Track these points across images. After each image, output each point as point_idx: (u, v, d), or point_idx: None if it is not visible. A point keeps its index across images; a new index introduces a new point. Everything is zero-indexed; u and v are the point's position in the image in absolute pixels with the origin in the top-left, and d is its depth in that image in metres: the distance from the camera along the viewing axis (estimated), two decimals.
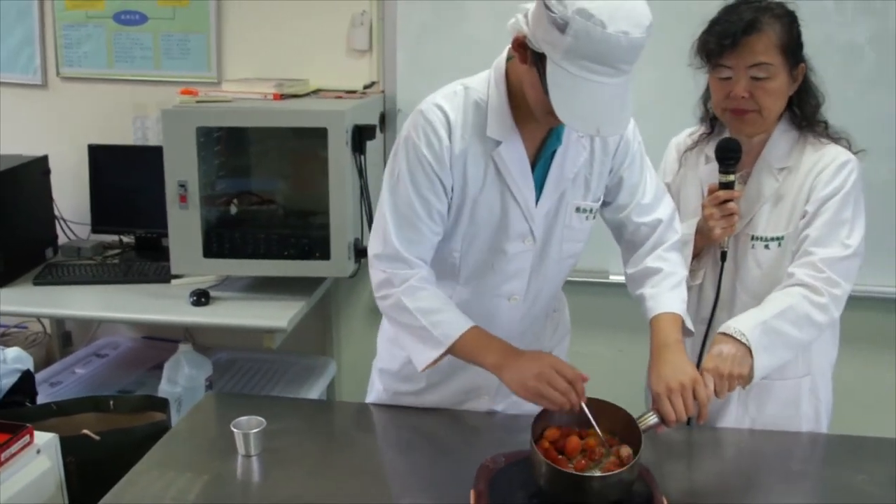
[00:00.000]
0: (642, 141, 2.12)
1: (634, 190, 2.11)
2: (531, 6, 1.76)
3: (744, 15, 2.03)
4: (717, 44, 2.05)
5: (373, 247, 2.03)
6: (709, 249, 2.23)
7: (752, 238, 2.17)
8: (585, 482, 1.69)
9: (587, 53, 1.65)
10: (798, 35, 2.09)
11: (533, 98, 1.83)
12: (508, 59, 1.93)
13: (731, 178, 2.13)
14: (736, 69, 2.05)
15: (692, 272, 2.23)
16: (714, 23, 2.09)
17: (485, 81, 1.97)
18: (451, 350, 1.96)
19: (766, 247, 2.16)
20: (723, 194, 2.12)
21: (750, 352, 1.96)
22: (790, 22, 2.07)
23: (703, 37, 2.10)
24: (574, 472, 1.73)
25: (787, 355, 2.06)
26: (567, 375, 1.84)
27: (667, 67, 2.17)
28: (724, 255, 2.18)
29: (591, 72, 1.67)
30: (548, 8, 1.67)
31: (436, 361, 1.99)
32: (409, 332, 2.00)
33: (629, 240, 2.17)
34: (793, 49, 2.07)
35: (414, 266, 1.99)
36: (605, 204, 2.13)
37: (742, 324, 2.00)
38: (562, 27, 1.65)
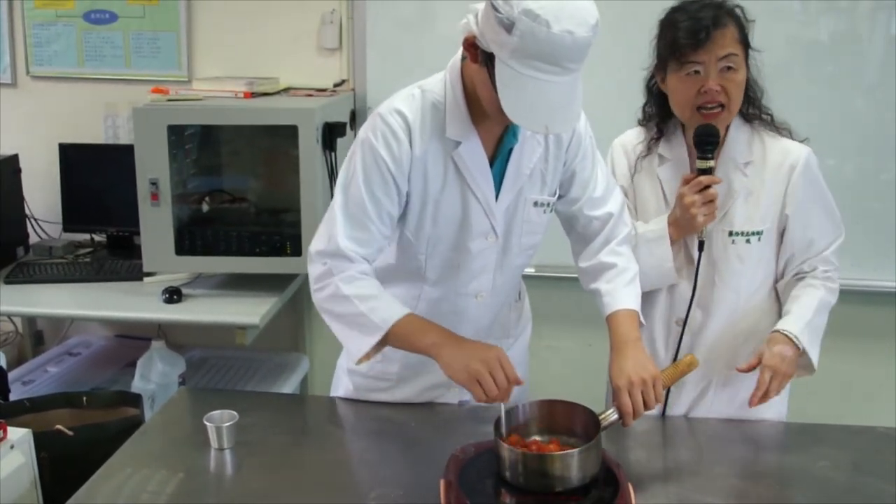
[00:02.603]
0: (594, 136, 2.15)
1: (586, 184, 2.14)
2: (481, 6, 1.78)
3: (706, 11, 2.08)
4: (690, 38, 2.06)
5: (316, 243, 2.03)
6: (681, 248, 2.25)
7: (731, 234, 2.20)
8: (546, 461, 1.73)
9: (533, 53, 1.68)
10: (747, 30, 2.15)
11: (485, 97, 1.86)
12: (462, 58, 1.95)
13: (711, 163, 2.14)
14: (707, 63, 2.07)
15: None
16: (676, 22, 2.11)
17: (441, 82, 1.99)
18: (389, 336, 1.96)
19: (748, 241, 2.20)
20: (705, 179, 2.13)
21: (800, 351, 2.14)
22: (741, 17, 2.12)
23: (671, 35, 2.11)
24: (534, 452, 1.78)
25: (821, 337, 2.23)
26: (509, 375, 1.87)
27: (622, 66, 2.19)
28: (701, 245, 2.19)
29: (538, 70, 1.70)
30: (495, 8, 1.70)
31: (372, 352, 1.99)
32: (346, 321, 2.00)
33: (581, 233, 2.20)
34: (748, 43, 2.13)
35: (355, 261, 1.99)
36: (558, 197, 2.16)
37: (793, 326, 2.16)
38: (508, 27, 1.68)
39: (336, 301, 1.99)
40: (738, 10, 2.12)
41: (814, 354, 2.16)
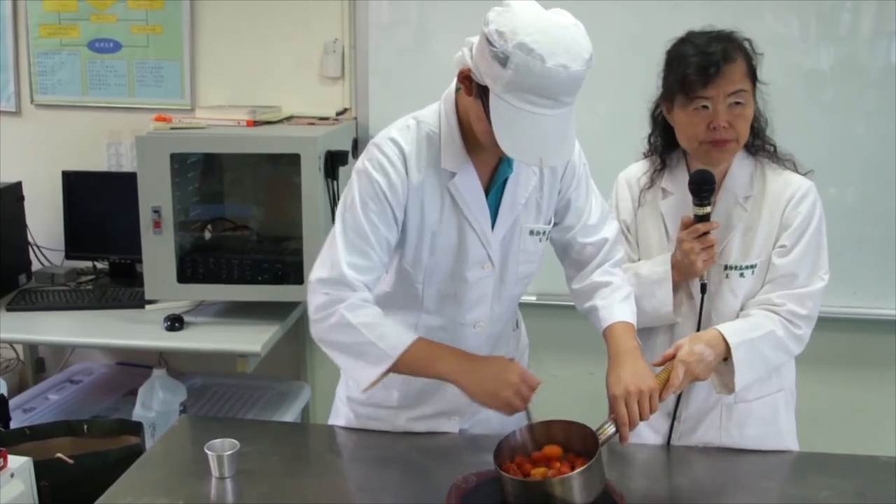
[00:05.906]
0: (588, 164, 2.15)
1: (581, 212, 2.15)
2: (476, 40, 1.79)
3: (716, 46, 2.06)
4: (700, 74, 2.04)
5: (317, 272, 1.99)
6: (681, 285, 2.23)
7: (726, 268, 2.18)
8: (546, 486, 1.72)
9: (528, 87, 1.69)
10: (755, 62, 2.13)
11: (479, 129, 1.87)
12: (457, 89, 1.96)
13: (708, 209, 2.12)
14: (716, 99, 2.06)
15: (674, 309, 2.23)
16: (685, 55, 2.09)
17: (435, 114, 2.00)
18: (399, 363, 1.93)
19: (742, 275, 2.17)
20: (702, 227, 2.12)
21: (725, 359, 2.06)
22: (749, 51, 2.11)
23: (681, 70, 2.09)
24: (532, 479, 1.77)
25: (762, 374, 2.14)
26: (532, 384, 1.90)
27: (618, 94, 2.20)
28: (704, 288, 2.17)
29: (532, 104, 1.71)
30: (489, 42, 1.71)
31: (378, 379, 1.96)
32: (352, 351, 1.96)
33: (575, 259, 2.20)
34: (755, 76, 2.12)
35: (357, 289, 1.96)
36: (553, 225, 2.16)
37: (735, 335, 2.07)
38: (503, 61, 1.69)
39: (341, 330, 1.96)
40: (746, 44, 2.11)
41: (741, 375, 2.06)
